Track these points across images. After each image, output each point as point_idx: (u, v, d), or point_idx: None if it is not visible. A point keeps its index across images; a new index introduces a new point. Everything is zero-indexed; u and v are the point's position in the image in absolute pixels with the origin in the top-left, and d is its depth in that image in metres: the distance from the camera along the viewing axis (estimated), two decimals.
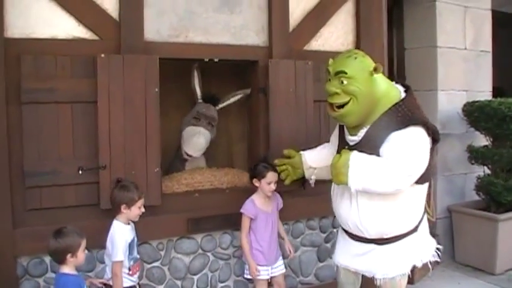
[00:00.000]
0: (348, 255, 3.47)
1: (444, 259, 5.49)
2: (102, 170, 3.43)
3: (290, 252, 3.86)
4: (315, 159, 3.74)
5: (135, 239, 3.36)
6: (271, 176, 3.63)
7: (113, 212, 3.31)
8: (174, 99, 4.27)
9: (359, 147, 3.27)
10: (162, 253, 3.74)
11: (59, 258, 2.89)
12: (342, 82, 3.20)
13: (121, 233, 3.24)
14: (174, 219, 3.71)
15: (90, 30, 3.50)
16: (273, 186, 3.64)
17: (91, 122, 3.46)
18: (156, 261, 3.73)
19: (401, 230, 3.33)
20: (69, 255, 2.86)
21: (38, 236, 3.31)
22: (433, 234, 5.27)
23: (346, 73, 3.21)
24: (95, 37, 3.51)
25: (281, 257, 3.87)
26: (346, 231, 3.46)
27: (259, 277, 3.70)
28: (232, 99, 4.35)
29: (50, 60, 3.36)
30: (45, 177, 3.36)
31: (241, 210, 3.70)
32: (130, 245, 3.28)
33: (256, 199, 3.73)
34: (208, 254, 3.90)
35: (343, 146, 3.39)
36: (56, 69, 3.37)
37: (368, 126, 3.27)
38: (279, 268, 3.81)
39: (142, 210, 3.32)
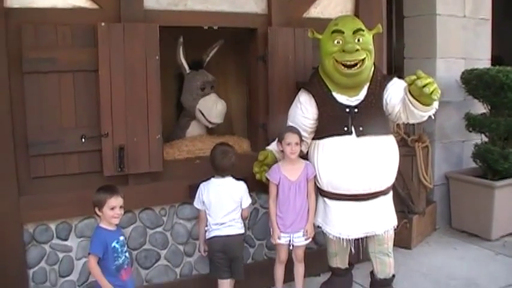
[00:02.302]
0: (351, 223, 3.60)
1: (441, 225, 5.60)
2: (104, 137, 3.47)
3: (306, 232, 3.73)
4: None
5: None
6: (288, 136, 3.58)
7: (227, 174, 3.63)
8: (171, 68, 4.29)
9: (364, 104, 3.55)
10: (165, 219, 3.81)
11: (94, 210, 3.11)
12: (359, 40, 3.40)
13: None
14: (176, 185, 3.77)
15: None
16: (294, 148, 3.56)
17: (92, 90, 3.48)
18: (159, 227, 3.80)
19: (394, 175, 3.71)
20: (96, 209, 3.07)
21: (43, 203, 3.41)
22: (430, 200, 5.41)
23: (363, 31, 3.52)
24: (94, 6, 3.51)
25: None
26: (346, 199, 3.56)
27: (278, 241, 3.73)
28: (211, 54, 4.44)
29: (51, 29, 3.36)
30: (48, 146, 3.40)
31: (265, 174, 3.72)
32: None
33: (282, 165, 3.70)
34: None
35: (343, 109, 3.53)
36: (56, 38, 3.38)
37: (367, 84, 3.49)
38: (299, 239, 3.73)
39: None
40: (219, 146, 3.67)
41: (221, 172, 3.61)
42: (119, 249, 3.11)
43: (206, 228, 3.65)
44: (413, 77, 3.01)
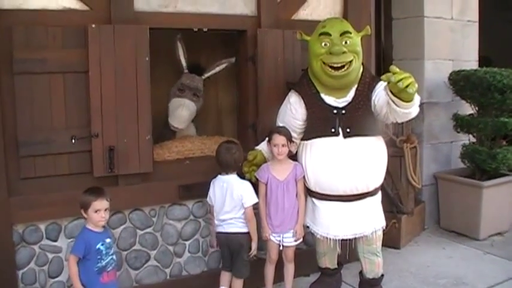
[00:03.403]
0: (338, 224, 3.64)
1: (430, 225, 5.64)
2: (94, 138, 3.48)
3: (296, 233, 3.75)
4: None
5: None
6: (275, 138, 3.61)
7: (231, 170, 3.67)
8: (164, 68, 4.30)
9: (352, 106, 3.57)
10: (155, 219, 3.82)
11: (80, 211, 3.10)
12: (346, 42, 3.44)
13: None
14: (166, 186, 3.78)
15: (80, 1, 3.50)
16: (280, 149, 3.60)
17: (83, 91, 3.49)
18: (149, 228, 3.80)
19: (382, 177, 3.73)
20: (82, 211, 3.07)
21: (33, 204, 3.41)
22: (419, 200, 5.46)
23: (351, 33, 3.54)
24: (85, 8, 3.52)
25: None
26: (333, 199, 3.60)
27: (269, 237, 3.76)
28: (217, 69, 4.41)
29: (41, 30, 3.37)
30: (38, 147, 3.40)
31: (255, 174, 3.77)
32: None
33: (271, 165, 3.74)
34: (200, 219, 3.99)
35: (330, 110, 3.57)
36: (47, 39, 3.39)
37: (355, 86, 3.54)
38: (289, 239, 3.76)
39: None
40: (224, 143, 3.74)
41: (224, 168, 3.66)
42: (103, 252, 3.10)
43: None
44: (389, 74, 3.03)
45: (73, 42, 3.46)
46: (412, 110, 3.31)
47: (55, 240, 3.53)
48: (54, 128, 3.46)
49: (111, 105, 3.51)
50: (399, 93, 3.11)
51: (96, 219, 3.07)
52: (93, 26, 3.44)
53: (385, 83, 3.17)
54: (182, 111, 4.26)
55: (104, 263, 3.10)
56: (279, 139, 3.61)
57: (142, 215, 3.78)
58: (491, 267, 4.63)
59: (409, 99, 3.16)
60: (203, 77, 4.39)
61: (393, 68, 3.04)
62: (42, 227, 3.49)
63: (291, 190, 3.70)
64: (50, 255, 3.52)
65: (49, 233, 3.51)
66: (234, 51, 4.34)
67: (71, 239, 3.51)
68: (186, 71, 4.33)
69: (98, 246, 3.07)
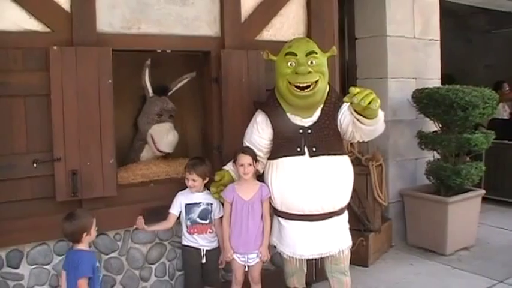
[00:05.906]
0: (304, 243, 3.62)
1: (397, 242, 5.67)
2: (57, 162, 3.43)
3: (260, 253, 3.72)
4: None
5: (202, 205, 3.76)
6: (240, 158, 3.61)
7: None
8: (127, 90, 4.27)
9: (318, 125, 3.59)
10: (120, 243, 3.77)
11: (76, 238, 3.16)
12: (312, 62, 3.46)
13: (179, 194, 3.78)
14: (131, 209, 3.73)
15: (41, 23, 3.48)
16: (246, 169, 3.59)
17: (45, 114, 3.45)
18: (114, 252, 3.75)
19: (349, 196, 3.74)
20: (84, 234, 3.14)
21: None
22: (385, 218, 5.49)
23: (316, 53, 3.56)
24: (46, 29, 3.49)
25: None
26: (300, 219, 3.59)
27: (231, 258, 3.72)
28: (179, 84, 4.42)
29: (1, 53, 3.33)
30: None
31: (221, 193, 3.74)
32: (188, 207, 3.74)
33: (237, 185, 3.72)
34: (165, 243, 3.95)
35: (296, 130, 3.59)
36: (7, 62, 3.35)
37: (321, 106, 3.58)
38: (253, 259, 3.73)
39: (189, 183, 3.72)
40: None
41: None
42: (98, 267, 3.26)
43: None
44: (350, 95, 3.06)
45: (34, 64, 3.43)
46: (378, 126, 3.35)
47: (16, 268, 3.45)
48: (15, 152, 3.40)
49: (73, 128, 3.47)
50: (363, 111, 3.14)
51: (94, 235, 3.25)
52: (55, 48, 3.41)
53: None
54: (173, 136, 4.28)
55: (101, 277, 3.27)
56: (245, 158, 3.61)
57: (107, 239, 3.72)
58: (459, 282, 4.68)
59: (373, 116, 3.19)
60: (168, 95, 4.39)
61: (352, 89, 3.08)
62: (3, 254, 3.41)
63: (256, 211, 3.68)
64: (11, 283, 3.43)
65: (10, 260, 3.43)
66: (199, 72, 4.34)
67: (34, 266, 3.47)
68: (151, 94, 4.30)
69: (97, 264, 3.22)
